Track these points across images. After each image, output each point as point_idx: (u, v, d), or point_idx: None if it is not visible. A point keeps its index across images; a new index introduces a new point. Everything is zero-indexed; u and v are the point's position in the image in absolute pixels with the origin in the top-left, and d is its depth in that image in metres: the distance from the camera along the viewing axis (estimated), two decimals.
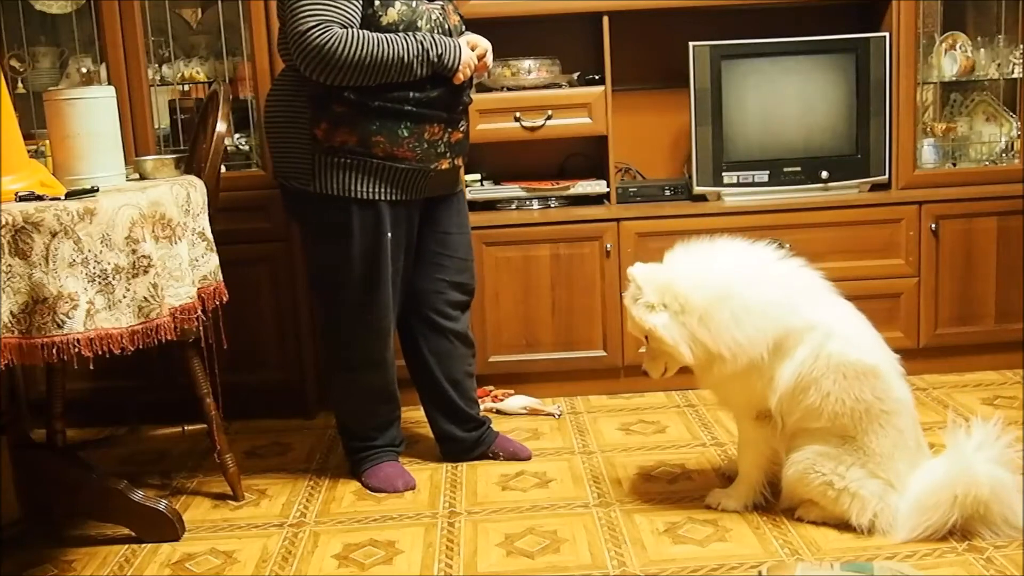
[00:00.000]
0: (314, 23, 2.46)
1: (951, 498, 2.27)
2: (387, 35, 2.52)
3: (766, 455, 2.51)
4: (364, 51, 2.47)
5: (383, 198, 2.64)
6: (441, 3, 2.70)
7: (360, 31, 2.50)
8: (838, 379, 2.34)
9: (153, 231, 2.35)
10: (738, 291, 2.37)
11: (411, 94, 2.58)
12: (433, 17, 2.64)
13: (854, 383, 2.34)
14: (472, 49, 2.68)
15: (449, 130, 2.69)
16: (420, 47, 2.53)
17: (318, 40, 2.45)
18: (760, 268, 2.45)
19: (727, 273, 2.41)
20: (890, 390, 2.37)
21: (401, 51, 2.51)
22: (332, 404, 2.96)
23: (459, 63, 2.59)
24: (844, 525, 2.41)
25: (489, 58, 2.74)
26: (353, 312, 2.72)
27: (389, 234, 2.67)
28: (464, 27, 2.80)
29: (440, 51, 2.56)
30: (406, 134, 2.60)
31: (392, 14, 2.55)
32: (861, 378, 2.34)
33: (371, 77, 2.51)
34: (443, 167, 2.72)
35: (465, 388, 2.97)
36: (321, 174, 2.62)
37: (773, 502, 2.54)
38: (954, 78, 3.62)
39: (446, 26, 2.67)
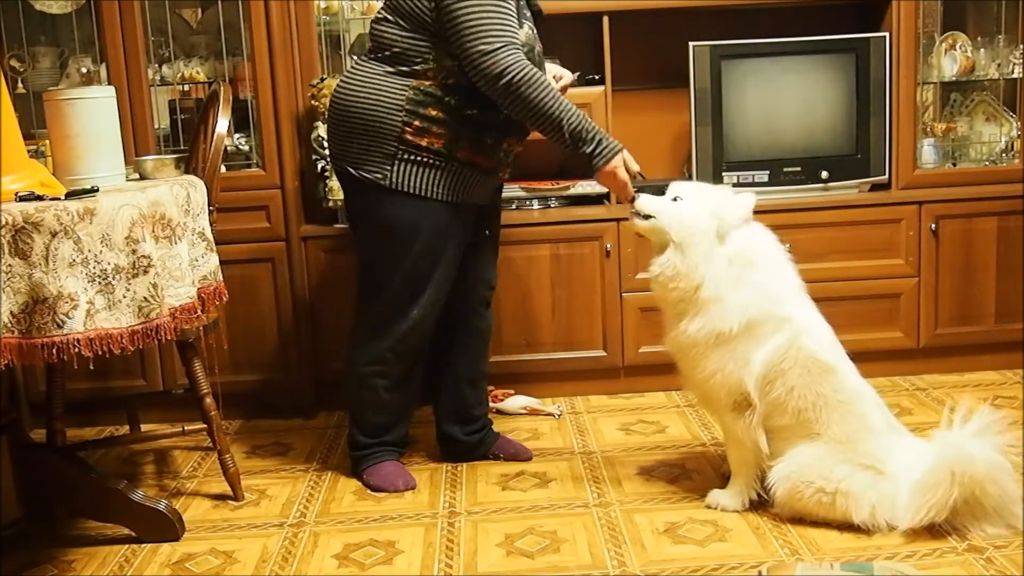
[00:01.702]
0: (500, 44, 2.50)
1: (949, 475, 2.27)
2: (562, 96, 2.56)
3: (750, 447, 2.51)
4: (544, 95, 2.52)
5: (457, 200, 2.68)
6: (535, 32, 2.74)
7: (545, 78, 2.55)
8: (803, 373, 2.42)
9: (153, 231, 2.35)
10: (759, 264, 2.47)
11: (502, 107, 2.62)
12: (538, 42, 2.71)
13: (816, 378, 2.42)
14: (557, 79, 2.81)
15: (519, 143, 2.78)
16: (581, 124, 2.55)
17: (513, 65, 2.49)
18: (777, 254, 2.53)
19: (760, 245, 2.50)
20: (845, 383, 2.45)
21: (565, 116, 2.54)
22: (348, 393, 2.91)
23: (606, 163, 2.60)
24: (845, 525, 2.41)
25: (568, 90, 2.86)
26: (400, 305, 2.72)
27: (454, 237, 2.72)
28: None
29: (599, 139, 2.58)
30: (489, 142, 2.65)
31: (521, 34, 2.60)
32: (822, 374, 2.43)
33: (530, 117, 2.55)
34: (504, 176, 2.83)
35: (481, 388, 2.99)
36: (400, 169, 2.63)
37: (767, 497, 2.54)
38: (954, 78, 3.62)
39: (541, 54, 2.74)
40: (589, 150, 2.58)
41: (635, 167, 2.65)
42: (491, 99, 2.57)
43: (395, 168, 2.63)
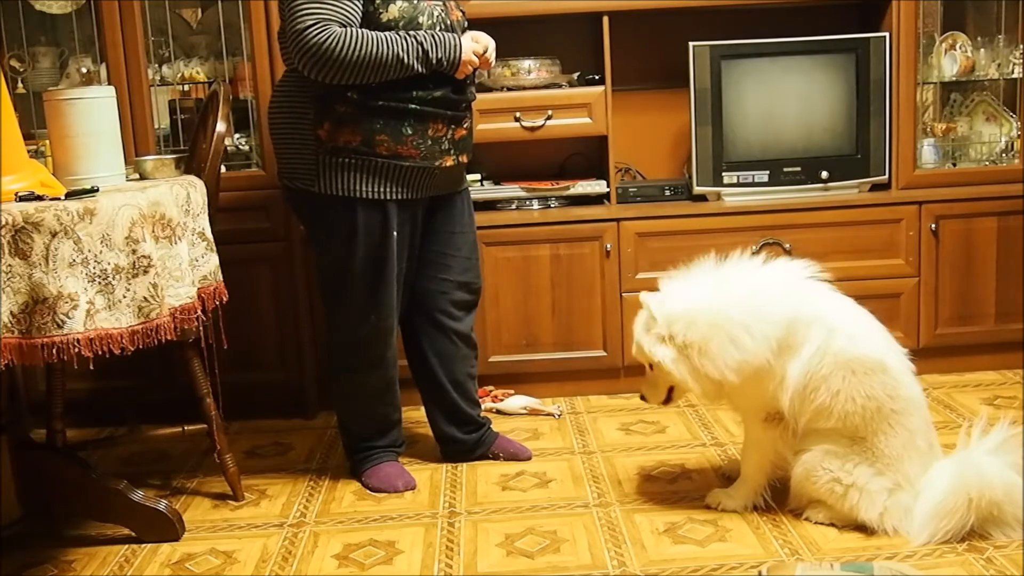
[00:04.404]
0: (312, 21, 2.46)
1: (966, 501, 2.27)
2: (386, 34, 2.51)
3: (770, 458, 2.50)
4: (363, 50, 2.47)
5: (388, 197, 2.64)
6: (443, 0, 2.70)
7: (359, 30, 2.50)
8: (847, 375, 2.33)
9: (153, 231, 2.35)
10: (726, 312, 2.36)
11: (414, 92, 2.58)
12: (435, 14, 2.63)
13: (863, 379, 2.33)
14: (475, 42, 2.68)
15: (453, 127, 2.69)
16: (419, 47, 2.53)
17: (316, 38, 2.45)
18: (748, 276, 2.44)
19: (712, 299, 2.39)
20: (899, 387, 2.35)
21: (400, 50, 2.51)
22: (334, 404, 2.96)
23: (459, 60, 2.59)
24: (845, 525, 2.41)
25: (492, 54, 2.73)
26: (358, 312, 2.72)
27: (395, 233, 2.67)
28: (467, 23, 2.79)
29: (441, 52, 2.56)
30: (410, 132, 2.60)
31: (393, 11, 2.55)
32: (869, 374, 2.33)
33: (370, 76, 2.51)
34: (447, 164, 2.71)
35: (467, 389, 2.96)
36: (325, 174, 2.62)
37: (774, 505, 2.54)
38: (954, 78, 3.62)
39: (448, 22, 2.67)
40: (440, 67, 2.55)
41: (484, 41, 2.63)
42: (395, 84, 2.53)
43: (321, 174, 2.61)
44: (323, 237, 2.72)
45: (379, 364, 2.79)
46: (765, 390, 2.40)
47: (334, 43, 2.45)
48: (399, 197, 2.66)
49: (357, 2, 2.53)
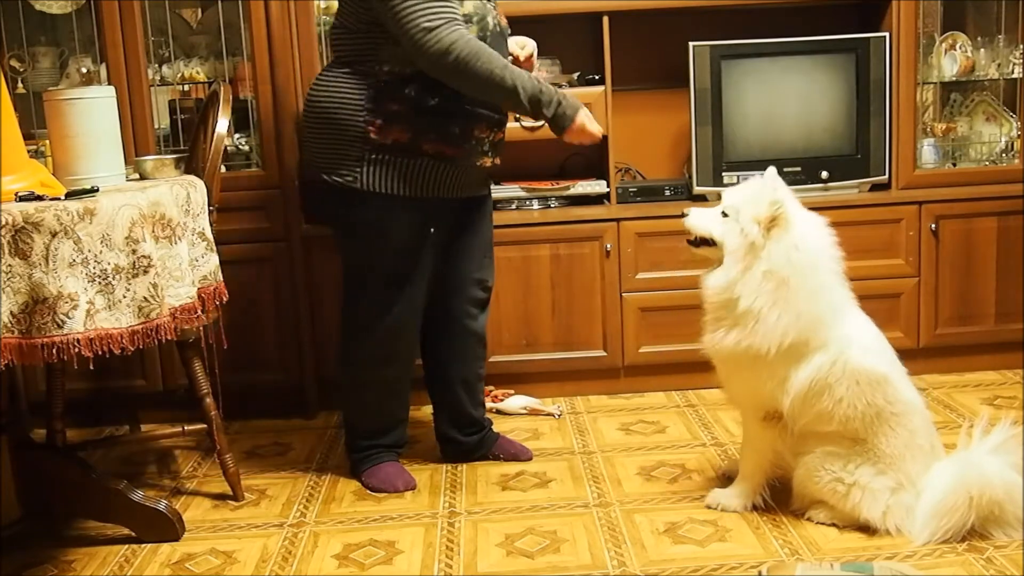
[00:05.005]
0: (442, 21, 2.46)
1: (967, 500, 2.27)
2: (511, 65, 2.53)
3: (769, 458, 2.50)
4: (491, 64, 2.48)
5: (428, 194, 2.66)
6: (493, 4, 2.72)
7: (492, 50, 2.51)
8: (851, 385, 2.34)
9: (153, 231, 2.35)
10: (796, 282, 2.35)
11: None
12: (492, 15, 2.66)
13: (866, 389, 2.34)
14: (521, 48, 2.77)
15: (495, 130, 2.73)
16: (539, 90, 2.52)
17: (449, 37, 2.45)
18: (821, 263, 2.43)
19: (799, 258, 2.37)
20: (899, 393, 2.37)
21: (520, 82, 2.50)
22: (342, 398, 2.93)
23: (571, 123, 2.55)
24: (848, 525, 2.41)
25: (535, 58, 2.82)
26: (382, 307, 2.73)
27: (432, 231, 2.70)
28: (509, 29, 2.81)
29: (557, 102, 2.52)
30: (457, 132, 2.62)
31: (467, 6, 2.57)
32: (874, 385, 2.34)
33: (480, 89, 2.52)
34: (486, 165, 2.75)
35: (475, 390, 2.98)
36: (369, 170, 2.62)
37: (774, 505, 2.54)
38: (954, 78, 3.62)
39: (500, 27, 2.70)
40: (551, 113, 2.54)
41: (531, 46, 2.64)
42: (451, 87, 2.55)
43: (365, 170, 2.62)
44: (357, 232, 2.71)
45: (395, 358, 2.80)
46: (763, 387, 2.41)
47: (474, 49, 2.46)
48: (438, 195, 2.67)
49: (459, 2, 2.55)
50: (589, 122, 2.57)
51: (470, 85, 2.51)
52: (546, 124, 2.59)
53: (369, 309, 2.74)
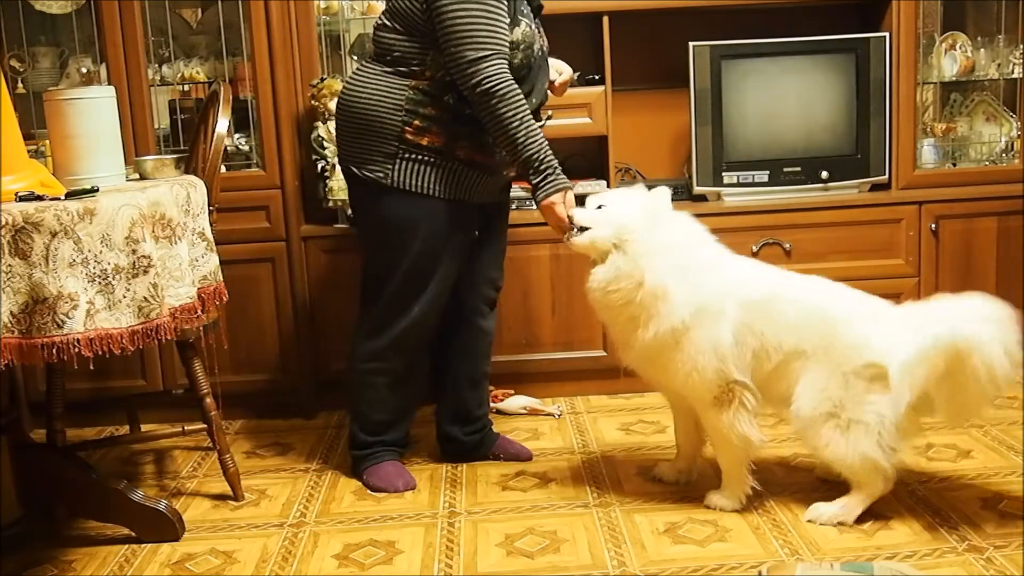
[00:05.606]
0: (487, 53, 2.51)
1: (932, 340, 2.24)
2: (534, 122, 2.57)
3: (739, 444, 2.50)
4: (518, 112, 2.53)
5: (456, 198, 2.68)
6: (539, 26, 2.75)
7: (520, 99, 2.55)
8: (760, 316, 2.45)
9: (153, 231, 2.35)
10: (690, 251, 2.52)
11: None
12: (540, 42, 2.71)
13: (770, 308, 2.46)
14: (559, 73, 2.85)
15: None
16: (538, 156, 2.56)
17: (491, 73, 2.51)
18: (703, 235, 2.58)
19: (686, 229, 2.57)
20: (800, 299, 2.48)
21: (531, 141, 2.55)
22: (351, 392, 2.91)
23: (546, 197, 2.60)
24: (844, 526, 2.42)
25: (568, 85, 2.91)
26: (402, 303, 2.74)
27: (460, 234, 2.73)
28: (548, 47, 2.84)
29: (548, 174, 2.58)
30: (490, 141, 2.65)
31: (517, 33, 2.61)
32: (771, 303, 2.48)
33: (499, 132, 2.56)
34: (510, 174, 2.82)
35: (482, 389, 3.00)
36: (400, 168, 2.65)
37: (774, 505, 2.54)
38: (954, 78, 3.62)
39: (543, 51, 2.74)
40: (535, 181, 2.60)
41: (571, 210, 2.63)
42: None
43: (396, 167, 2.64)
44: (383, 227, 2.72)
45: (408, 353, 2.80)
46: (703, 366, 2.46)
47: (504, 93, 2.51)
48: (465, 199, 2.70)
49: (507, 32, 2.59)
50: (559, 207, 2.60)
51: (487, 119, 2.56)
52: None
53: (387, 306, 2.75)
